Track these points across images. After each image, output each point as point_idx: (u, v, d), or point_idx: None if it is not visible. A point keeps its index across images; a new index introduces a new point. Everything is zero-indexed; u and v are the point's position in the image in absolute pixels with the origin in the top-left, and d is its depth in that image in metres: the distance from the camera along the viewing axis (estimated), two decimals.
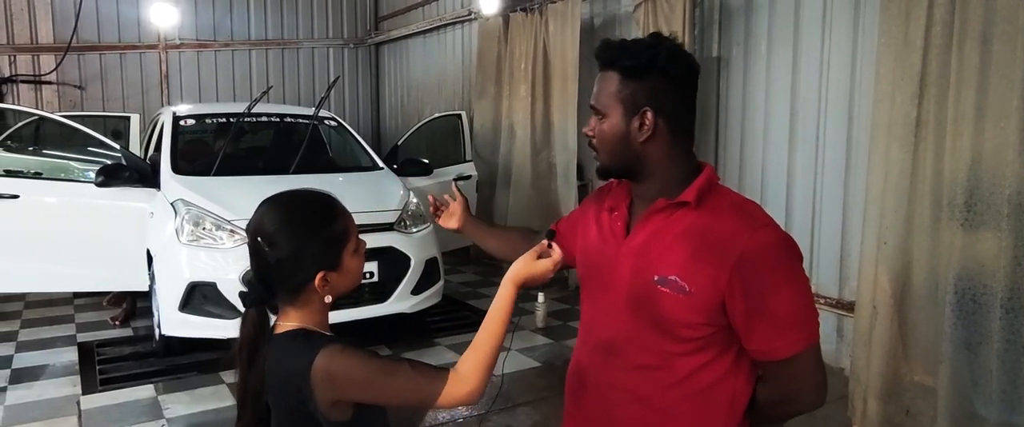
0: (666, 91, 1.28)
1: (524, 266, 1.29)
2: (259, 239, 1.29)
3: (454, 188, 1.90)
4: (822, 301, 4.04)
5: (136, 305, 5.18)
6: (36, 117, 5.62)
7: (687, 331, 1.27)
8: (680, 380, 1.29)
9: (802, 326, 1.24)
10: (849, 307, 3.80)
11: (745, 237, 1.22)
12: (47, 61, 8.34)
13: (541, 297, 4.96)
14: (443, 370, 1.24)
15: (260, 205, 1.32)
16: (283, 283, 1.29)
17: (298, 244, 1.28)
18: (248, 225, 1.32)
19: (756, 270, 1.21)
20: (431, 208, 1.87)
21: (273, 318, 1.35)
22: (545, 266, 1.30)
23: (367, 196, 4.53)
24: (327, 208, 1.33)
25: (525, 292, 1.35)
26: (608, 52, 1.30)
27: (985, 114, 2.87)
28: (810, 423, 3.39)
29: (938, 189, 3.04)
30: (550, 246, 1.33)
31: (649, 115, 1.27)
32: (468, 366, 1.24)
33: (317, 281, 1.28)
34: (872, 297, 3.26)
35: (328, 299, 1.31)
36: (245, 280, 1.35)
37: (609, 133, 1.30)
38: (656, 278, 1.27)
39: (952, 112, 2.97)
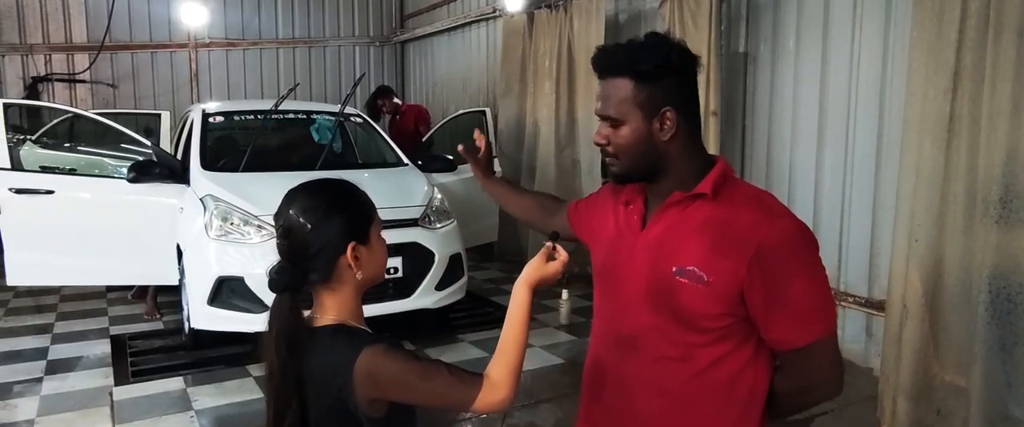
0: (681, 88, 1.30)
1: (535, 269, 1.34)
2: (292, 215, 1.32)
3: (477, 133, 1.86)
4: (851, 300, 3.97)
5: (157, 299, 5.29)
6: (70, 115, 5.74)
7: (707, 321, 1.28)
8: (701, 371, 1.30)
9: (820, 315, 1.26)
10: (879, 306, 3.74)
11: (764, 228, 1.24)
12: (81, 60, 8.53)
13: (565, 294, 4.95)
14: (478, 376, 1.26)
15: (287, 193, 1.36)
16: (317, 258, 1.31)
17: (329, 213, 1.31)
18: (276, 212, 1.35)
19: (775, 260, 1.22)
20: (462, 147, 1.87)
21: (306, 313, 1.36)
22: (555, 267, 1.34)
23: (392, 192, 4.55)
24: (348, 185, 1.38)
25: (547, 289, 1.37)
26: (614, 59, 1.29)
27: (1021, 109, 2.79)
28: (839, 423, 3.35)
29: (972, 186, 2.97)
30: (555, 248, 1.36)
31: (670, 114, 1.28)
32: (498, 372, 1.26)
33: (349, 252, 1.31)
34: (903, 296, 3.20)
35: (359, 275, 1.33)
36: (273, 269, 1.35)
37: (630, 139, 1.30)
38: (675, 269, 1.28)
39: (987, 107, 2.90)
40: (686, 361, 1.30)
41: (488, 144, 1.87)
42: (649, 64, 1.26)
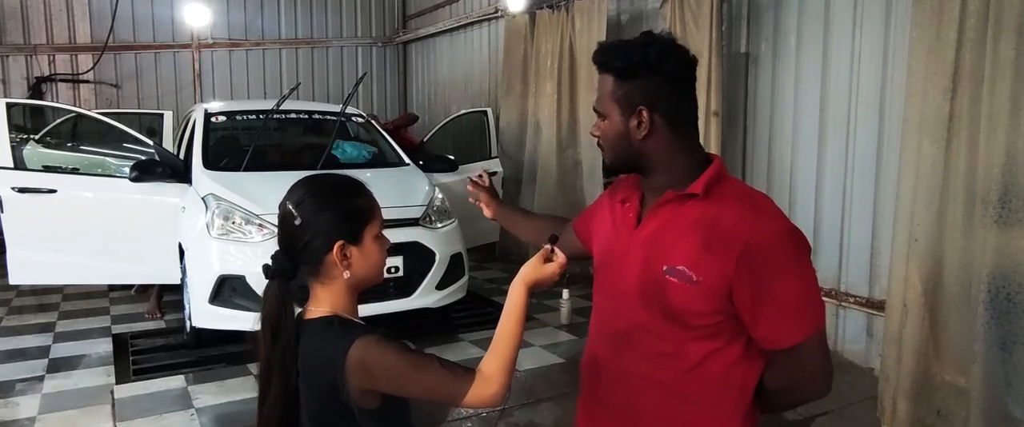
0: (660, 87, 1.29)
1: (533, 270, 1.35)
2: (287, 206, 1.34)
3: (484, 176, 1.95)
4: (852, 300, 3.98)
5: (163, 296, 5.30)
6: (74, 114, 5.76)
7: (696, 319, 1.29)
8: (693, 366, 1.32)
9: (806, 314, 1.26)
10: (879, 306, 3.74)
11: (751, 226, 1.24)
12: (85, 60, 8.57)
13: (566, 294, 4.96)
14: (470, 370, 1.27)
15: (294, 183, 1.38)
16: (304, 251, 1.33)
17: (320, 209, 1.33)
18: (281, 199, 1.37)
19: (761, 258, 1.23)
20: (471, 188, 1.95)
21: (298, 310, 1.37)
22: (552, 269, 1.35)
23: (393, 191, 4.56)
24: (353, 185, 1.39)
25: (549, 289, 1.38)
26: (602, 55, 1.32)
27: (1020, 108, 2.80)
28: (839, 423, 3.35)
29: (971, 185, 2.98)
30: (553, 250, 1.38)
31: (645, 113, 1.29)
32: (491, 367, 1.27)
33: (335, 251, 1.32)
34: (903, 296, 3.20)
35: (346, 275, 1.33)
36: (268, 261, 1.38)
37: (610, 133, 1.34)
38: (665, 268, 1.30)
39: (986, 107, 2.90)
40: (678, 357, 1.32)
41: (490, 178, 1.94)
42: (624, 62, 1.28)
